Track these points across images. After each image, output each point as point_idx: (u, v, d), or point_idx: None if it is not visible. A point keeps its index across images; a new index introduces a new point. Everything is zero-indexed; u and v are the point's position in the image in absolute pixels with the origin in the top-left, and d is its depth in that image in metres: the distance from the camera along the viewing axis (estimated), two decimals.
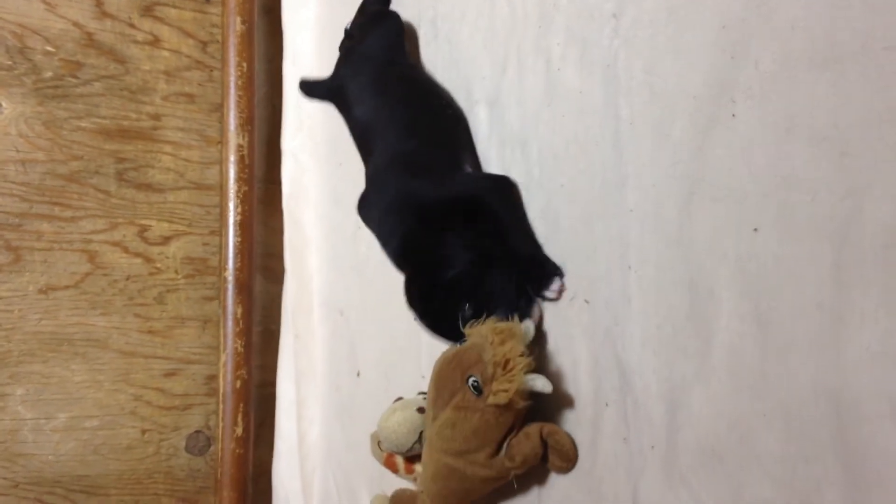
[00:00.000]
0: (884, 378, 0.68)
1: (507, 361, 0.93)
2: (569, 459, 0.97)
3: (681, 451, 0.86)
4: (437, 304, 1.03)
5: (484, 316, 0.99)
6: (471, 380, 0.95)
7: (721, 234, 0.83)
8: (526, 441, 0.96)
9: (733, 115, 0.82)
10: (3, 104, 1.59)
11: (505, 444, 0.97)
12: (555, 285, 1.01)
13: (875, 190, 0.69)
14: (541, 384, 0.94)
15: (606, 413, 0.94)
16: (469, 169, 1.14)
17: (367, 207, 1.17)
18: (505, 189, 1.08)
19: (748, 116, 0.80)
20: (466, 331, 1.00)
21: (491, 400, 0.93)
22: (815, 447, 0.73)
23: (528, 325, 0.99)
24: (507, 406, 0.93)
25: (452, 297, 1.01)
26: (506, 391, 0.92)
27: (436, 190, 1.07)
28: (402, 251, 1.09)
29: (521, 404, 0.94)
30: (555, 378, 0.98)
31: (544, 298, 1.03)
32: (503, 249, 1.03)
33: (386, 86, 1.22)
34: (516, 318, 0.98)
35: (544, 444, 0.97)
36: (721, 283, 0.82)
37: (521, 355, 0.93)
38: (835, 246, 0.72)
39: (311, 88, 1.42)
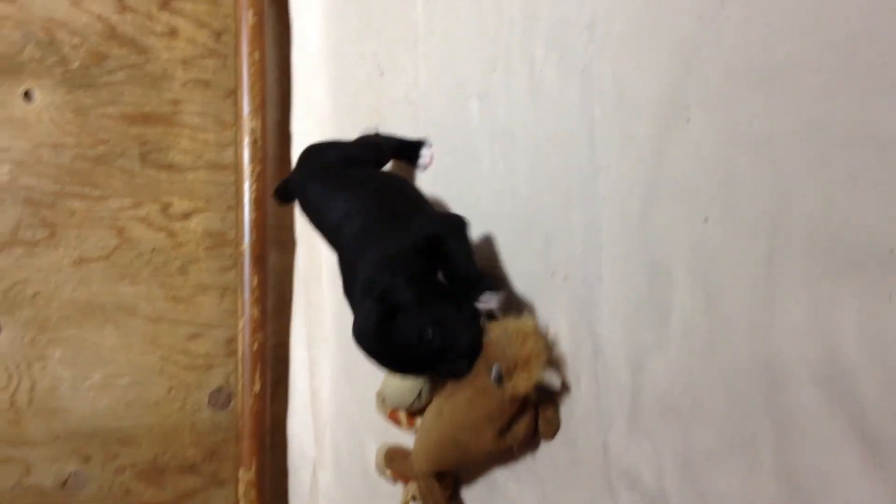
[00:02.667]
0: (806, 348, 0.78)
1: (528, 358, 1.02)
2: (555, 432, 1.08)
3: (643, 408, 0.96)
4: (400, 326, 1.01)
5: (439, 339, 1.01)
6: (495, 367, 1.02)
7: (677, 223, 0.92)
8: (528, 421, 1.07)
9: (688, 121, 0.90)
10: (36, 94, 1.67)
11: (511, 426, 1.07)
12: (485, 296, 1.06)
13: (800, 190, 0.78)
14: (553, 381, 1.04)
15: (582, 375, 1.05)
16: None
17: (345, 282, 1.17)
18: (457, 225, 1.11)
19: (700, 123, 0.89)
20: (489, 326, 1.07)
21: (510, 391, 1.02)
22: (751, 406, 0.83)
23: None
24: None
25: (415, 322, 1.01)
26: (525, 386, 1.02)
27: (396, 238, 1.08)
28: (362, 289, 1.07)
29: (534, 396, 1.05)
30: None
31: (482, 310, 1.07)
32: (451, 275, 1.08)
33: (345, 185, 1.22)
34: (536, 317, 1.08)
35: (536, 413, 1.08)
36: (677, 265, 0.92)
37: (540, 354, 1.03)
38: (768, 236, 0.81)
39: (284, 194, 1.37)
